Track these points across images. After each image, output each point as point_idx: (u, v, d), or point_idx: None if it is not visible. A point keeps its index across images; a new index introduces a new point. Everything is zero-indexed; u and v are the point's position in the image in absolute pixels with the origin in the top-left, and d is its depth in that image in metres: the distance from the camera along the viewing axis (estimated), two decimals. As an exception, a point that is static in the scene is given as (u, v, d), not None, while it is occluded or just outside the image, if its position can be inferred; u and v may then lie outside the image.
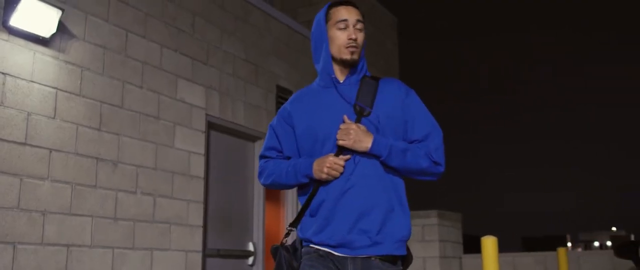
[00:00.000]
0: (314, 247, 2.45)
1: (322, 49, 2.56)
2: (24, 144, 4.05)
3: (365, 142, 2.41)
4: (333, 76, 2.54)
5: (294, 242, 2.55)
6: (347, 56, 2.51)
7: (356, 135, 2.40)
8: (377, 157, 2.44)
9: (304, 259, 2.46)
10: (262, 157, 2.71)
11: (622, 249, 5.56)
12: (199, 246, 5.35)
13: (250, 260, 6.04)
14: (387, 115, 2.50)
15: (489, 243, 3.72)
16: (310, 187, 2.51)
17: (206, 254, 5.48)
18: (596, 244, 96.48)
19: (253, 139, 6.29)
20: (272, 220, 6.53)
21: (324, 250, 2.43)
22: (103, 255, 4.48)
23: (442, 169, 2.52)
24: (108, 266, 4.51)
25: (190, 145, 5.41)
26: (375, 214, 2.40)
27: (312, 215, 2.48)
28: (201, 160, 5.51)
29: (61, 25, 4.30)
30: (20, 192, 3.98)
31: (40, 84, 4.20)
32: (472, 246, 9.68)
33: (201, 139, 5.54)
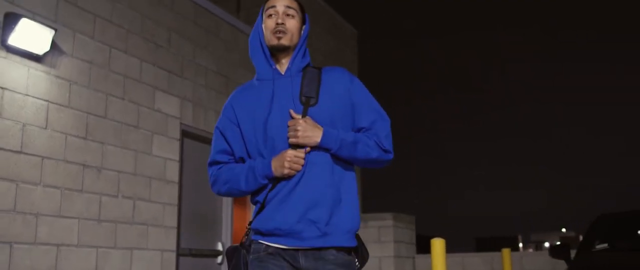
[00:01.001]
0: (263, 244, 2.40)
1: (258, 40, 2.52)
2: (20, 152, 4.44)
3: (314, 136, 2.36)
4: (274, 67, 2.49)
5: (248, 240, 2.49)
6: (273, 41, 2.45)
7: (304, 131, 2.35)
8: (327, 149, 2.40)
9: (252, 259, 2.41)
10: (212, 163, 2.59)
11: (556, 250, 6.17)
12: (173, 246, 5.79)
13: (219, 259, 6.49)
14: (334, 102, 2.45)
15: (438, 244, 4.19)
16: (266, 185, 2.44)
17: (180, 253, 5.92)
18: (546, 244, 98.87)
19: (223, 145, 6.74)
20: (239, 222, 6.99)
21: (273, 247, 2.38)
22: (88, 254, 4.89)
23: (391, 156, 2.52)
24: (93, 264, 4.92)
25: (166, 152, 5.84)
26: (324, 205, 2.36)
27: (263, 205, 2.43)
28: (176, 166, 5.94)
29: (53, 43, 4.70)
30: (16, 196, 4.37)
31: (33, 97, 4.59)
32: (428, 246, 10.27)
33: (176, 146, 5.98)
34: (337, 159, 2.43)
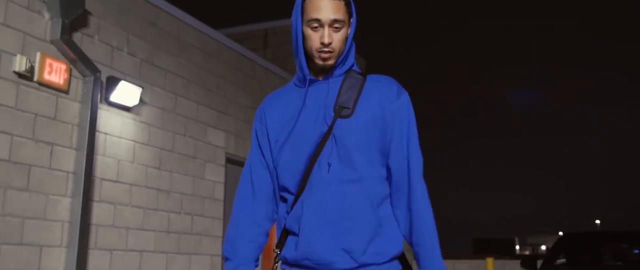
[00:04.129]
0: None
1: (298, 44, 2.13)
2: (116, 181, 5.91)
3: None
4: (309, 77, 2.14)
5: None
6: (319, 62, 2.08)
7: None
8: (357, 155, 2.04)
9: None
10: (243, 183, 2.25)
11: (524, 261, 7.60)
12: (219, 252, 7.26)
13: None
14: (371, 117, 2.07)
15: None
16: (287, 202, 2.14)
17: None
18: (543, 247, 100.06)
19: (256, 168, 8.21)
20: (270, 231, 8.44)
21: None
22: (161, 258, 6.37)
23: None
24: (164, 266, 6.39)
25: (215, 176, 7.31)
26: (360, 230, 2.00)
27: (290, 232, 2.10)
28: (222, 187, 7.41)
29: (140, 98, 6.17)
30: (114, 215, 5.84)
31: (125, 139, 6.06)
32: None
33: (222, 171, 7.44)
34: (370, 171, 2.06)
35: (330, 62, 2.09)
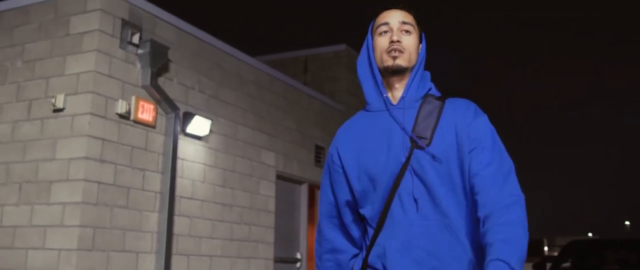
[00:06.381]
0: None
1: (368, 63, 2.12)
2: (191, 198, 7.17)
3: None
4: (385, 95, 2.08)
5: None
6: (388, 62, 2.04)
7: None
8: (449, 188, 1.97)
9: None
10: (320, 227, 2.28)
11: (536, 265, 8.70)
12: (271, 256, 8.49)
13: (298, 264, 9.18)
14: (448, 147, 1.99)
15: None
16: (368, 233, 2.09)
17: (275, 260, 8.62)
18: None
19: (301, 182, 9.44)
20: (312, 237, 9.68)
21: None
22: (226, 262, 7.61)
23: (523, 197, 1.92)
24: (228, 269, 7.64)
25: (267, 191, 8.55)
26: (453, 266, 1.94)
27: (372, 269, 2.05)
28: (273, 201, 8.64)
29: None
30: (190, 226, 7.10)
31: (198, 163, 7.32)
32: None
33: (273, 186, 8.68)
34: (458, 205, 1.98)
35: (401, 62, 2.04)
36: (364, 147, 2.08)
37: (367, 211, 2.08)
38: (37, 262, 5.89)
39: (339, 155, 2.16)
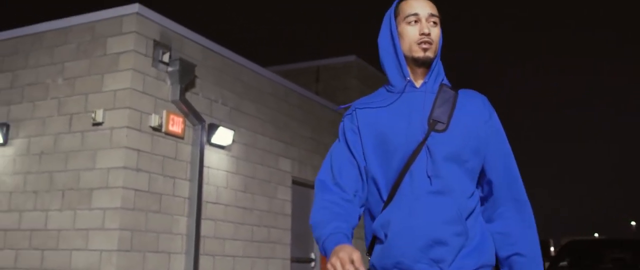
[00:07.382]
0: None
1: (392, 48, 2.21)
2: (216, 203, 7.78)
3: None
4: (409, 78, 2.18)
5: None
6: (419, 54, 2.14)
7: None
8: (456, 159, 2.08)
9: None
10: (322, 181, 2.25)
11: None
12: (288, 256, 9.09)
13: (313, 264, 9.78)
14: (465, 135, 2.11)
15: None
16: (377, 206, 2.14)
17: (292, 260, 9.22)
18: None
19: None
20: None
21: None
22: (247, 261, 8.22)
23: (528, 204, 2.18)
24: (250, 268, 8.25)
25: (284, 195, 9.15)
26: (450, 240, 2.01)
27: (377, 239, 2.13)
28: (289, 205, 9.25)
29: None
30: (215, 229, 7.71)
31: (221, 170, 7.93)
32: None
33: (289, 191, 9.28)
34: (463, 179, 2.10)
35: (430, 54, 2.15)
36: (383, 121, 2.17)
37: (378, 184, 2.14)
38: (81, 262, 6.51)
39: (358, 122, 2.24)
